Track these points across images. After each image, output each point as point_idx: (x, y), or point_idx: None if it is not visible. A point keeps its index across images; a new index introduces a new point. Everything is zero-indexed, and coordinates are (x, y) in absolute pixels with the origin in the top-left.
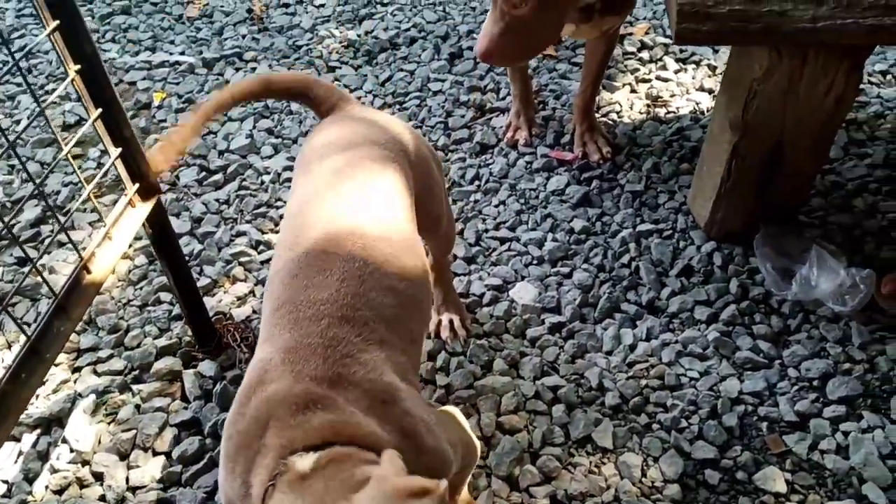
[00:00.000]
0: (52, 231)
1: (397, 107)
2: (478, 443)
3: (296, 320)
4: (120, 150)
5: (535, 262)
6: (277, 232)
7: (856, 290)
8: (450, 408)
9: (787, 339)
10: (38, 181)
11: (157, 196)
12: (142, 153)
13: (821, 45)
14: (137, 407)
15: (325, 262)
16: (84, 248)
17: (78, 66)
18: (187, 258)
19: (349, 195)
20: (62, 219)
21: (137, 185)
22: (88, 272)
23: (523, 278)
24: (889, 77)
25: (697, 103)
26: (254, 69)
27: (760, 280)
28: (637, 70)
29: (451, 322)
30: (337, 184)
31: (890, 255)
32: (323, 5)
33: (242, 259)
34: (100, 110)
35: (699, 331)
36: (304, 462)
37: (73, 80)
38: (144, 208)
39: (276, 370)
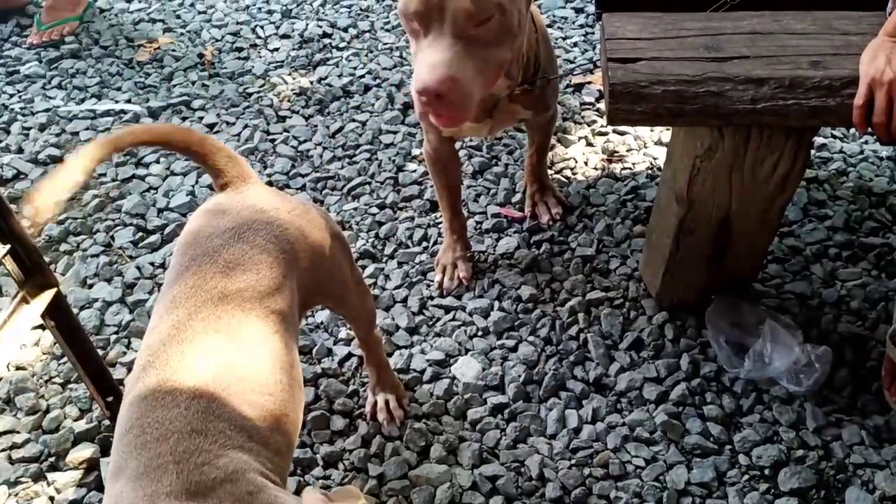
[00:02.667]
0: None
1: (347, 160)
2: None
3: (143, 444)
4: (9, 246)
5: (480, 333)
6: None
7: (811, 369)
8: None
9: (738, 420)
10: None
11: (55, 288)
12: (33, 245)
13: (763, 125)
14: (52, 499)
15: (175, 380)
16: None
17: None
18: (116, 329)
19: (211, 306)
20: None
21: (30, 280)
22: None
23: (467, 351)
24: (852, 131)
25: (654, 158)
26: (201, 118)
27: (713, 355)
28: (594, 122)
29: (387, 403)
30: (200, 291)
31: (847, 328)
32: (277, 49)
33: None
34: None
35: (647, 412)
36: None
37: None
38: (41, 302)
39: (128, 500)
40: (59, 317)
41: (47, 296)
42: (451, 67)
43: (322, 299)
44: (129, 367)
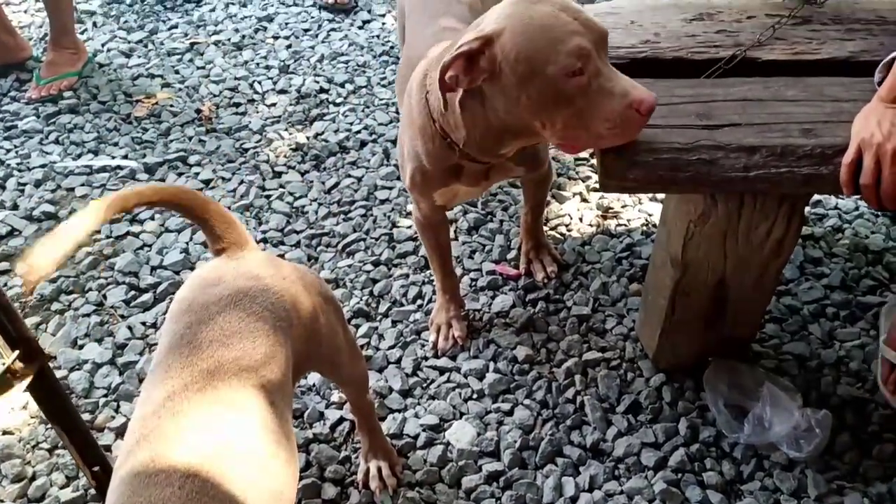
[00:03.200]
0: None
1: (342, 216)
2: None
3: None
4: None
5: (475, 395)
6: None
7: (811, 434)
8: None
9: (739, 488)
10: None
11: (43, 361)
12: (18, 317)
13: (755, 192)
14: None
15: (170, 456)
16: None
17: None
18: (105, 392)
19: (207, 376)
20: None
21: (17, 352)
22: None
23: (462, 415)
24: None
25: (649, 215)
26: (197, 174)
27: (711, 419)
28: (589, 178)
29: (379, 470)
30: (196, 361)
31: (847, 391)
32: (275, 105)
33: None
34: None
35: (646, 479)
36: None
37: None
38: (26, 375)
39: None
40: (45, 388)
41: (33, 367)
42: None
43: (315, 365)
44: (118, 432)
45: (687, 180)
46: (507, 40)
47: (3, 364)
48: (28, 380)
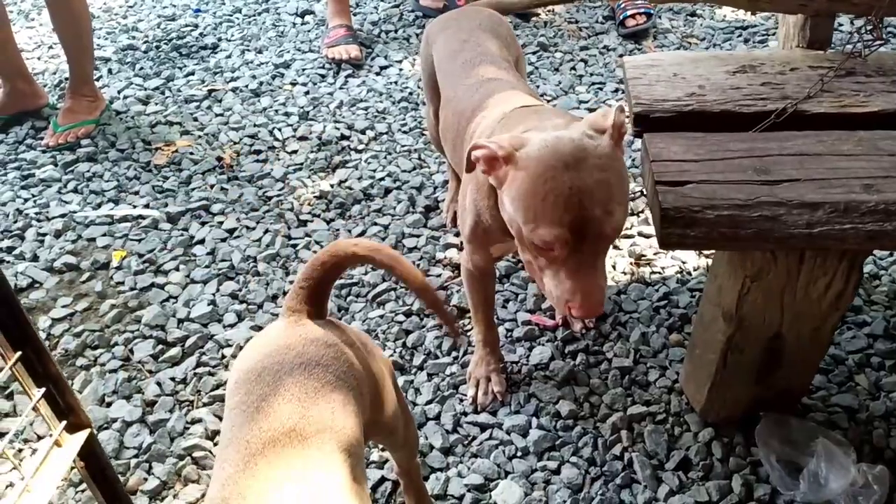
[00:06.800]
0: None
1: (370, 266)
2: None
3: None
4: (44, 389)
5: (519, 453)
6: None
7: (869, 491)
8: None
9: None
10: None
11: (89, 430)
12: (68, 385)
13: (818, 249)
14: None
15: None
16: None
17: None
18: (136, 452)
19: (292, 451)
20: None
21: (64, 422)
22: None
23: (507, 474)
24: None
25: (683, 262)
26: (221, 223)
27: (765, 475)
28: None
29: None
30: (279, 436)
31: None
32: (296, 151)
33: (196, 454)
34: (19, 353)
35: None
36: None
37: None
38: (73, 445)
39: None
40: (91, 458)
41: (80, 438)
42: (603, 286)
43: (378, 431)
44: (151, 495)
45: (749, 237)
46: (519, 177)
47: (51, 436)
48: (77, 448)
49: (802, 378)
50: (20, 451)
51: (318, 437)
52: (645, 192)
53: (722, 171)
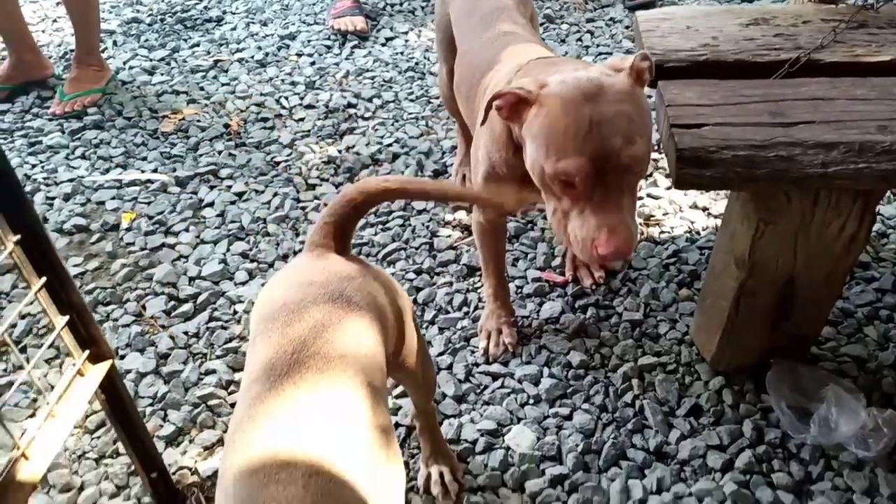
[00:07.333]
0: None
1: (380, 227)
2: None
3: None
4: (67, 317)
5: (531, 401)
6: None
7: (879, 434)
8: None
9: (809, 489)
10: None
11: (111, 361)
12: (91, 317)
13: (832, 189)
14: None
15: (288, 455)
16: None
17: (18, 237)
18: (151, 401)
19: (317, 374)
20: None
21: (87, 351)
22: (27, 458)
23: (519, 420)
24: (888, 195)
25: (692, 222)
26: (230, 187)
27: (775, 420)
28: None
29: (441, 475)
30: (304, 359)
31: None
32: (302, 119)
33: (211, 402)
34: (43, 279)
35: (714, 481)
36: None
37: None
38: (96, 375)
39: None
40: (112, 390)
41: (102, 368)
42: (631, 226)
43: (398, 368)
44: (168, 440)
45: (764, 177)
46: (542, 113)
47: (74, 365)
48: (99, 378)
49: (814, 324)
50: (35, 400)
51: (342, 361)
52: (660, 138)
53: (737, 114)
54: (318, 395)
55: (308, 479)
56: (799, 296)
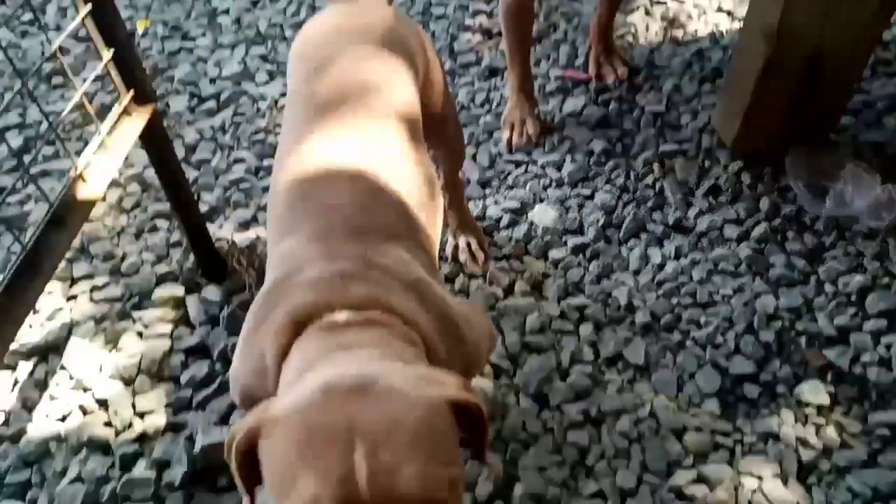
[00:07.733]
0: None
1: None
2: (496, 332)
3: (316, 212)
4: (113, 51)
5: (553, 184)
6: None
7: (892, 206)
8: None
9: (822, 255)
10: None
11: (154, 105)
12: (136, 56)
13: None
14: (140, 334)
15: (335, 163)
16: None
17: None
18: None
19: (357, 106)
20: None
21: (132, 91)
22: (84, 181)
23: (542, 201)
24: None
25: (716, 24)
26: None
27: (792, 198)
28: None
29: (468, 245)
30: (344, 94)
31: None
32: None
33: (243, 185)
34: (89, 5)
35: (730, 249)
36: (339, 315)
37: None
38: (140, 118)
39: (306, 253)
40: (154, 134)
41: (147, 110)
42: None
43: (429, 122)
44: (206, 215)
45: None
46: None
47: (120, 104)
48: (145, 120)
49: (840, 99)
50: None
51: (378, 92)
52: None
53: None
54: (358, 125)
55: (353, 181)
56: (824, 73)
